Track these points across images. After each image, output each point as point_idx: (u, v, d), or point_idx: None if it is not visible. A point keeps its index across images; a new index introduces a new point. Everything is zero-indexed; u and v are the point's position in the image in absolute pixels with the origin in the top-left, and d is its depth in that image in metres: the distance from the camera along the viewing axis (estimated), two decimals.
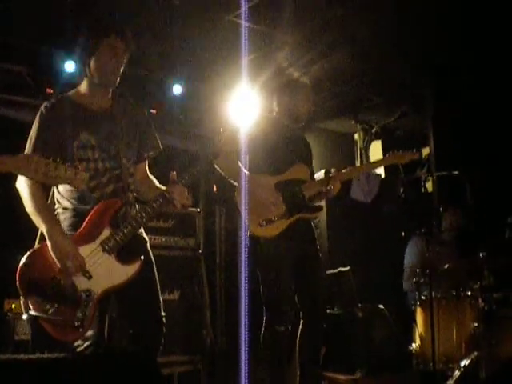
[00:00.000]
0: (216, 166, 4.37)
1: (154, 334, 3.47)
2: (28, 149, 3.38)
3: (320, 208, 4.56)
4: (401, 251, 6.92)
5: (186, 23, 6.40)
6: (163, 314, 3.50)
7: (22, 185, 3.32)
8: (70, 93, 3.58)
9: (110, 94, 3.57)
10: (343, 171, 4.64)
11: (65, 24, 5.64)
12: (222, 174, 4.47)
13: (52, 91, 6.76)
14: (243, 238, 4.38)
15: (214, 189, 6.92)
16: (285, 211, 4.37)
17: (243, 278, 4.39)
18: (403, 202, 6.50)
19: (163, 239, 5.98)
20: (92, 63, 3.42)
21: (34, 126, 3.42)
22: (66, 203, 3.42)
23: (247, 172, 4.42)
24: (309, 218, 4.52)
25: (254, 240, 4.37)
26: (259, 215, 4.34)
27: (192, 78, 7.42)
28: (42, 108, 3.44)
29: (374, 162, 5.33)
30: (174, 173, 3.45)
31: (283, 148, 4.56)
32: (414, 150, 4.75)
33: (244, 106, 6.86)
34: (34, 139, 3.37)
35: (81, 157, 3.38)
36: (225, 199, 7.10)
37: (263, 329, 4.36)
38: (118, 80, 3.52)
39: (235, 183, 4.44)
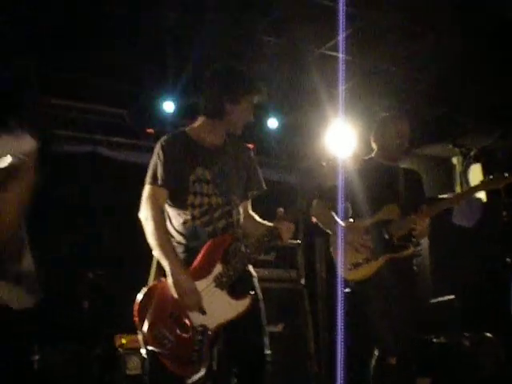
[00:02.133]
0: (311, 215, 4.46)
1: (256, 372, 3.44)
2: (150, 179, 3.48)
3: (406, 246, 4.49)
4: (506, 277, 6.72)
5: (280, 58, 6.50)
6: (269, 351, 3.47)
7: (147, 217, 3.41)
8: (186, 128, 3.69)
9: (224, 134, 3.69)
10: (431, 207, 4.55)
11: (163, 65, 5.85)
12: (316, 221, 4.54)
13: (152, 131, 6.99)
14: (339, 281, 4.41)
15: (313, 220, 6.94)
16: (371, 253, 4.37)
17: (339, 315, 4.39)
18: (507, 225, 6.33)
19: (266, 272, 6.03)
20: (229, 112, 3.54)
21: (155, 159, 3.51)
22: (180, 238, 3.49)
23: (339, 220, 4.47)
24: (397, 257, 4.47)
25: (346, 284, 4.41)
26: (349, 259, 4.39)
27: (287, 111, 7.50)
28: (162, 141, 3.55)
29: (465, 192, 5.17)
30: (281, 209, 3.47)
31: (378, 189, 4.55)
32: (506, 174, 4.46)
33: (341, 138, 6.87)
34: (156, 170, 3.48)
35: (196, 190, 3.47)
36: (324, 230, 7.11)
37: (373, 361, 4.32)
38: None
39: (329, 231, 4.51)
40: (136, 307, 3.30)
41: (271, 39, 6.35)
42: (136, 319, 3.27)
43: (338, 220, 4.49)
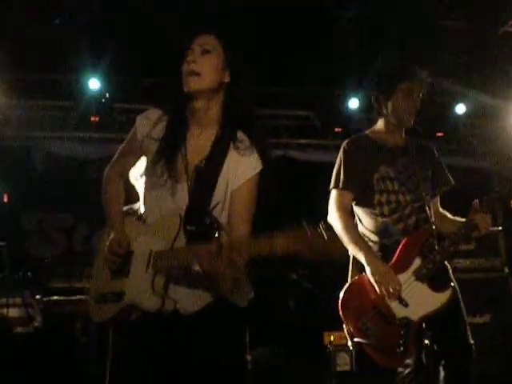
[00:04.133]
0: None
1: (464, 363, 3.40)
2: (334, 183, 3.57)
3: None
4: None
5: (461, 41, 6.36)
6: (472, 341, 3.42)
7: (334, 219, 3.50)
8: (366, 131, 3.76)
9: (404, 133, 3.70)
10: None
11: (346, 64, 5.90)
12: None
13: (340, 130, 7.07)
14: None
15: None
16: None
17: None
18: None
19: (467, 262, 5.89)
20: (389, 105, 3.58)
21: (338, 163, 3.61)
22: (373, 237, 3.55)
23: None
24: None
25: None
26: None
27: (474, 95, 7.31)
28: (344, 145, 3.64)
29: None
30: (477, 201, 3.43)
31: None
32: None
33: None
34: (339, 174, 3.57)
35: (381, 188, 3.52)
36: None
37: None
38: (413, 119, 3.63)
39: None
40: (340, 302, 3.40)
41: (451, 23, 6.24)
42: (341, 313, 3.38)
43: None
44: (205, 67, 2.59)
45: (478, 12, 6.00)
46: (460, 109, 7.40)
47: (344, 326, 3.38)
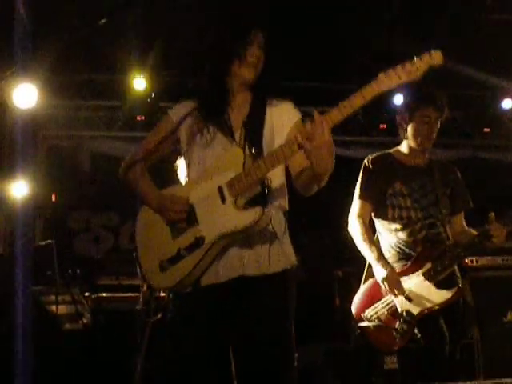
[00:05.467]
0: None
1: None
2: (355, 196, 3.89)
3: None
4: None
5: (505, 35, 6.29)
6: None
7: (353, 228, 3.87)
8: (391, 150, 3.99)
9: (427, 154, 3.93)
10: None
11: None
12: None
13: (385, 126, 7.04)
14: None
15: None
16: None
17: None
18: None
19: (509, 259, 5.79)
20: (408, 130, 3.83)
21: (361, 175, 3.90)
22: (391, 250, 3.85)
23: None
24: None
25: None
26: None
27: None
28: (366, 161, 3.91)
29: None
30: (493, 214, 3.64)
31: None
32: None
33: None
34: (360, 187, 3.89)
35: (393, 203, 3.82)
36: None
37: None
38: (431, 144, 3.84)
39: None
40: (353, 301, 3.89)
41: (497, 17, 6.18)
42: (352, 310, 3.88)
43: None
44: (260, 64, 2.79)
45: None
46: (507, 104, 7.33)
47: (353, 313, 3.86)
